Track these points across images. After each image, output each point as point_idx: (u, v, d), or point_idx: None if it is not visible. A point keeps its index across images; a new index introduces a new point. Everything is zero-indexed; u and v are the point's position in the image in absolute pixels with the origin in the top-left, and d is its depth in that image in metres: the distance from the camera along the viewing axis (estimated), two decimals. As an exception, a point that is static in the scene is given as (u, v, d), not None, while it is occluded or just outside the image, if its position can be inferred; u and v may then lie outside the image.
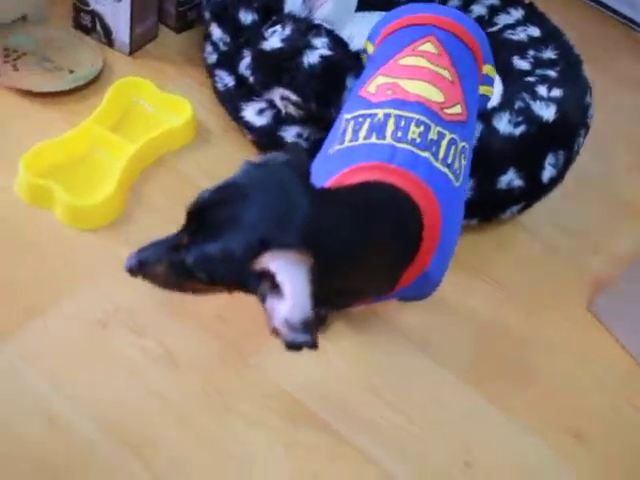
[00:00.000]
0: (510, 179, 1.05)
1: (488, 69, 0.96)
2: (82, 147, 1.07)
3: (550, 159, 1.08)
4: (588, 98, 1.14)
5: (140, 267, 0.64)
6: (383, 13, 1.02)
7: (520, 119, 1.04)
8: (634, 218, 1.29)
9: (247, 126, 1.11)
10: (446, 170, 0.77)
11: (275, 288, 0.57)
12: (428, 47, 0.87)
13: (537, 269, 1.15)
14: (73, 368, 0.84)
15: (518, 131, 1.03)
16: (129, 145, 1.06)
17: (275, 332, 0.57)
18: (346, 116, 0.82)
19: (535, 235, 1.20)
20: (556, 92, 1.10)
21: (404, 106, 0.79)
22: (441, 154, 0.77)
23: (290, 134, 1.06)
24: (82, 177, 1.03)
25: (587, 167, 1.24)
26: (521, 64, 1.20)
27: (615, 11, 1.82)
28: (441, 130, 0.78)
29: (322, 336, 0.94)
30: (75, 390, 0.82)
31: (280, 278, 0.56)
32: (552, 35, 1.23)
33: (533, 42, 1.23)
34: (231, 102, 1.13)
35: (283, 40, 0.99)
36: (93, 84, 1.19)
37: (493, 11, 1.30)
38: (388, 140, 0.75)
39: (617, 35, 1.80)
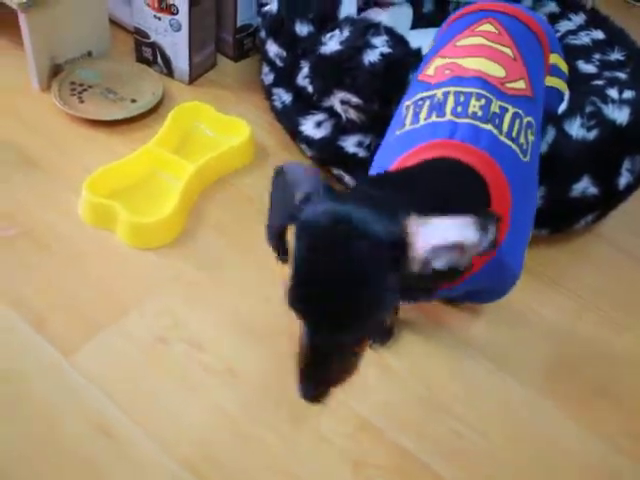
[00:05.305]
0: (584, 187, 0.99)
1: (556, 58, 0.91)
2: (143, 169, 1.08)
3: (627, 164, 1.02)
4: (662, 97, 1.07)
5: (319, 388, 0.56)
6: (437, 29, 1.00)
7: (593, 123, 0.98)
8: None
9: (306, 141, 1.10)
10: (511, 143, 0.72)
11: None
12: (487, 27, 0.84)
13: (617, 278, 1.07)
14: (133, 383, 0.83)
15: (592, 135, 0.97)
16: (189, 165, 1.06)
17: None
18: (406, 103, 0.79)
19: (612, 243, 1.13)
20: (628, 94, 1.04)
21: (462, 82, 0.76)
22: (504, 127, 0.72)
23: (350, 143, 1.04)
24: (143, 198, 1.05)
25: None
26: (587, 68, 1.15)
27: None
28: (503, 104, 0.74)
29: (388, 351, 0.90)
30: (132, 404, 0.81)
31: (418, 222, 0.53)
32: (618, 37, 1.18)
33: (598, 45, 1.18)
34: (289, 118, 1.13)
35: (342, 42, 0.98)
36: (154, 112, 1.22)
37: (553, 18, 1.26)
38: (448, 117, 0.72)
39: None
